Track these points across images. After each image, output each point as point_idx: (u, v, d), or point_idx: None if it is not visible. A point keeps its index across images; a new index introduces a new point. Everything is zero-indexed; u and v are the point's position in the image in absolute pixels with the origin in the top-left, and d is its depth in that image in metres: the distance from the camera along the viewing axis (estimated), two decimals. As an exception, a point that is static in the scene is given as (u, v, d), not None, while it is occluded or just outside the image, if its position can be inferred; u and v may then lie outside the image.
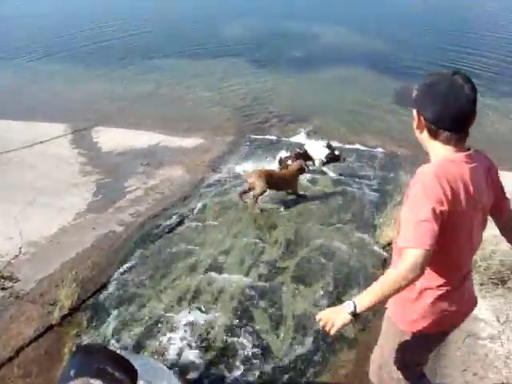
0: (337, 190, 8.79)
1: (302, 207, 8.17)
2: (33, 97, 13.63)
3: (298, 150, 9.13)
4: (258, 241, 7.20)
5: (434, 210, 2.72)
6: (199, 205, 8.13)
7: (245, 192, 8.06)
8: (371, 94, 13.91)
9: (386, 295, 2.76)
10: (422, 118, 2.94)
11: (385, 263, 6.75)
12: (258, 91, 13.97)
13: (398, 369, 3.46)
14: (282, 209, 8.09)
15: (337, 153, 9.44)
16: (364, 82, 14.87)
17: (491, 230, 3.41)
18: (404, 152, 10.41)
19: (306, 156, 9.07)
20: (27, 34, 20.47)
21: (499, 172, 3.22)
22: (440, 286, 3.05)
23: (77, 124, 11.49)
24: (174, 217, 7.80)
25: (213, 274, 6.42)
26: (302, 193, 8.58)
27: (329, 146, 9.37)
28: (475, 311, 5.13)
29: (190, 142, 10.70)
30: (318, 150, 9.32)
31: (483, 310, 6.02)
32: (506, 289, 6.29)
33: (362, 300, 2.81)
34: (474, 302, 3.42)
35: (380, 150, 10.57)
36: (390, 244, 7.00)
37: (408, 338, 3.26)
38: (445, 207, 2.76)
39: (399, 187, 8.80)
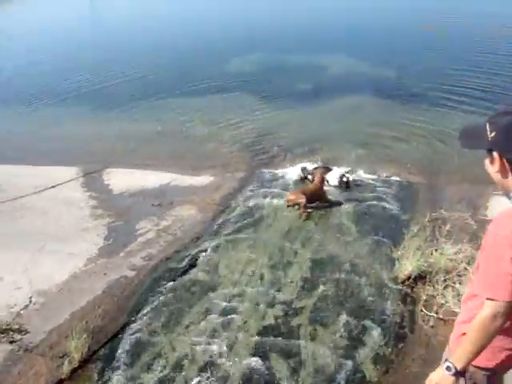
0: (352, 222, 8.57)
1: (317, 242, 7.95)
2: (43, 141, 13.63)
3: (318, 164, 10.28)
4: (273, 280, 6.99)
5: None
6: (212, 245, 7.96)
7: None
8: (380, 122, 13.72)
9: (478, 345, 2.85)
10: (504, 161, 2.79)
11: (405, 299, 6.51)
12: (266, 125, 13.84)
13: None
14: (297, 246, 7.87)
15: (346, 179, 9.91)
16: (372, 111, 14.71)
17: None
18: (418, 180, 10.21)
19: (325, 168, 10.16)
20: (30, 81, 20.57)
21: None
22: None
23: (88, 167, 11.43)
24: (187, 259, 7.64)
25: (228, 319, 6.21)
26: (334, 199, 9.32)
27: (341, 172, 10.04)
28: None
29: (199, 180, 10.57)
30: (331, 173, 10.07)
31: None
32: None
33: (460, 357, 2.93)
34: None
35: (394, 178, 10.34)
36: (409, 278, 6.77)
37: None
38: None
39: (415, 217, 8.60)
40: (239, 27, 31.10)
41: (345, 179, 9.90)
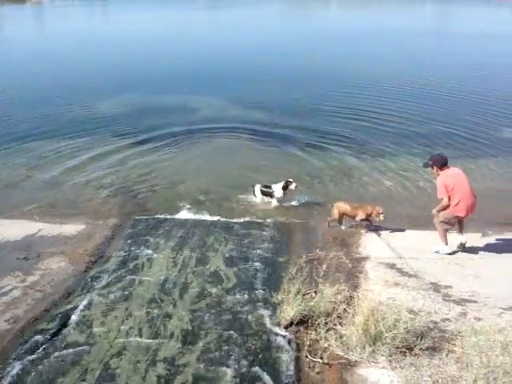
0: (230, 268, 8.46)
1: (195, 292, 7.73)
2: None
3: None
4: (152, 335, 6.67)
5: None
6: (85, 301, 7.46)
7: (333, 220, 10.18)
8: (253, 162, 13.97)
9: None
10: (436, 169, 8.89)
11: (290, 346, 6.44)
12: (138, 170, 13.51)
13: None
14: (176, 296, 7.58)
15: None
16: (245, 151, 14.98)
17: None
18: (293, 221, 10.41)
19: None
20: None
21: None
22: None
23: None
24: (58, 318, 7.05)
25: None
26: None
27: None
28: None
29: (70, 228, 9.98)
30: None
31: (396, 382, 5.84)
32: (414, 356, 6.22)
33: None
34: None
35: (269, 220, 10.44)
36: (291, 324, 6.72)
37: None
38: None
39: (292, 259, 8.67)
40: (114, 65, 30.51)
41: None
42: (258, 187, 11.66)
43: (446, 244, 9.10)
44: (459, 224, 9.06)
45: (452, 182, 8.64)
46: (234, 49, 36.35)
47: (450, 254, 9.10)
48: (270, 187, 11.51)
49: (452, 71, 28.59)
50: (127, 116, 18.95)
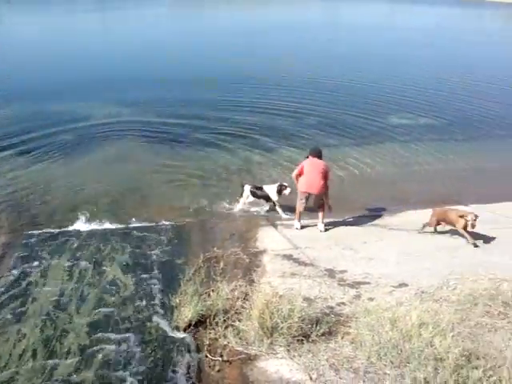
0: (127, 275, 8.31)
1: (92, 305, 7.54)
2: None
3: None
4: (48, 354, 6.43)
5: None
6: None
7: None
8: (145, 169, 13.64)
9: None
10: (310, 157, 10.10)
11: (189, 348, 6.41)
12: (28, 182, 12.74)
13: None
14: (72, 312, 7.34)
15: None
16: (137, 158, 14.48)
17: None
18: (190, 221, 10.35)
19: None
20: None
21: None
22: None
23: None
24: None
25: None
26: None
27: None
28: (289, 375, 5.58)
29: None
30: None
31: (295, 371, 5.95)
32: (311, 343, 6.38)
33: None
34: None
35: (166, 223, 10.30)
36: (190, 325, 6.69)
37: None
38: None
39: (190, 260, 8.64)
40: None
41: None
42: (247, 188, 11.06)
43: (299, 220, 10.17)
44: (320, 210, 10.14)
45: (307, 166, 9.91)
46: (120, 49, 35.26)
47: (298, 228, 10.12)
48: (262, 189, 10.96)
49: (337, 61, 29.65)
50: (6, 126, 17.78)
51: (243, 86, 23.24)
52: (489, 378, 5.50)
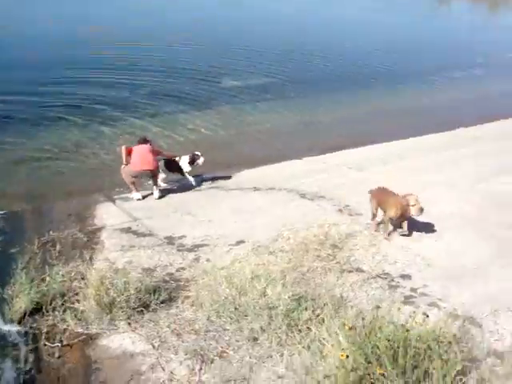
0: None
1: None
2: None
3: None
4: None
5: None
6: None
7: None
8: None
9: None
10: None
11: (26, 340, 6.14)
12: None
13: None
14: None
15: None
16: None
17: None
18: (22, 208, 9.82)
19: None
20: None
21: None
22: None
23: None
24: None
25: None
26: None
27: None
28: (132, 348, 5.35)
29: None
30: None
31: (137, 342, 5.99)
32: (152, 312, 6.41)
33: None
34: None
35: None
36: (25, 315, 6.42)
37: None
38: None
39: (24, 247, 8.22)
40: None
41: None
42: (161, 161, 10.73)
43: (137, 191, 10.19)
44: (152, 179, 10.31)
45: (135, 149, 10.16)
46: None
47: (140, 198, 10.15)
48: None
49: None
50: None
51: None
52: (317, 316, 5.93)
